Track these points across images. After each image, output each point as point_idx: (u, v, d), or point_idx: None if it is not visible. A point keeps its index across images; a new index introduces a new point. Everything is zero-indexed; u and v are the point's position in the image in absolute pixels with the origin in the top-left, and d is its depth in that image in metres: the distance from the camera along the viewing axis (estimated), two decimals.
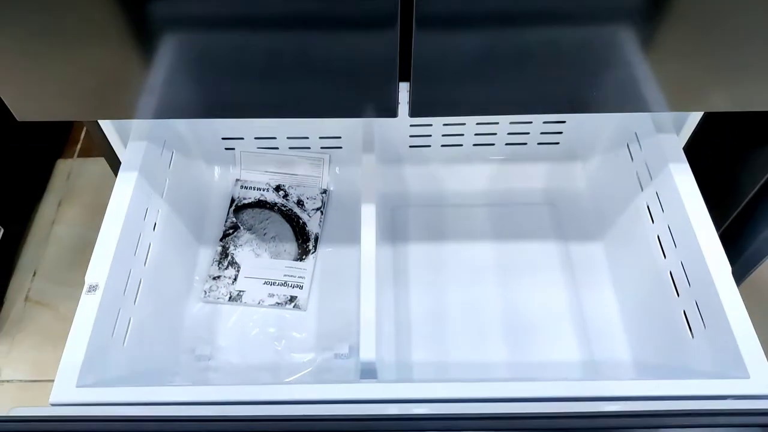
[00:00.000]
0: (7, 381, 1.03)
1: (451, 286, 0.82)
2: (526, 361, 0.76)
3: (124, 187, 0.68)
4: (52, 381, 0.55)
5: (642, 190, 0.76)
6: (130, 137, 0.74)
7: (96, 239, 0.64)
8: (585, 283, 0.82)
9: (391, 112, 0.60)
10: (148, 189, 0.72)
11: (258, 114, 0.61)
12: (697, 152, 0.76)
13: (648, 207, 0.75)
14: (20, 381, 1.02)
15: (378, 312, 0.67)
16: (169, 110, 0.60)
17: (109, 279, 0.62)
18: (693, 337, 0.65)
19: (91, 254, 0.63)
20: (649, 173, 0.74)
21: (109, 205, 0.67)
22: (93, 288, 0.61)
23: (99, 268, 0.62)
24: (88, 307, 0.59)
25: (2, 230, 1.08)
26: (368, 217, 0.72)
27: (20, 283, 1.14)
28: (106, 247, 0.63)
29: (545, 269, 0.83)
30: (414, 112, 0.61)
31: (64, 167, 1.30)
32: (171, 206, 0.77)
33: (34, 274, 1.15)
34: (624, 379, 0.60)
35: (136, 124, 0.75)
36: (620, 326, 0.78)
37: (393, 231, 0.88)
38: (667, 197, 0.71)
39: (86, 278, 0.61)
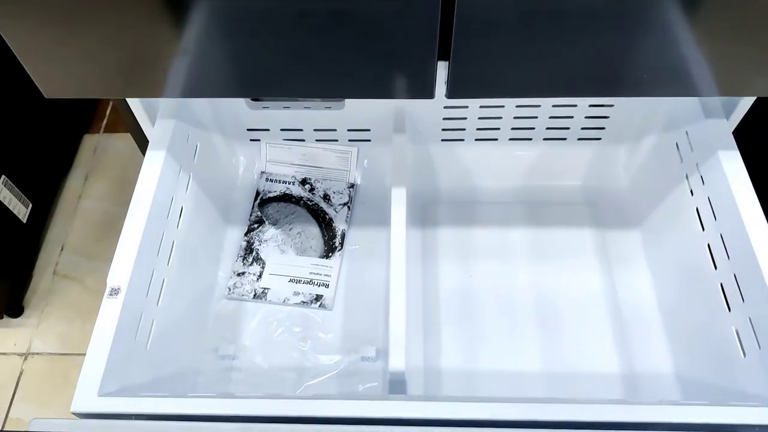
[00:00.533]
0: (38, 354, 1.04)
1: (482, 277, 0.80)
2: (560, 358, 0.74)
3: (151, 170, 0.66)
4: (81, 354, 0.54)
5: (687, 179, 0.72)
6: (157, 116, 0.71)
7: (122, 213, 0.63)
8: (621, 274, 0.79)
9: (428, 92, 0.57)
10: (175, 173, 0.70)
11: (286, 93, 0.59)
12: (746, 138, 0.71)
13: (693, 198, 0.71)
14: (50, 354, 1.04)
15: (407, 313, 0.64)
16: (197, 88, 0.57)
17: (132, 281, 0.60)
18: (745, 356, 0.61)
19: (117, 229, 0.61)
20: (696, 162, 0.70)
21: (133, 195, 0.64)
22: (115, 291, 0.59)
23: (121, 270, 0.60)
24: (109, 312, 0.57)
25: (30, 205, 1.08)
26: (399, 203, 0.69)
27: (48, 257, 1.15)
28: (129, 247, 0.61)
29: (580, 257, 0.81)
30: (453, 92, 0.57)
31: (90, 142, 1.30)
32: (195, 199, 0.75)
33: (61, 249, 1.16)
34: (667, 403, 0.56)
35: (164, 105, 0.72)
36: (660, 329, 0.75)
37: (423, 227, 0.84)
38: (716, 188, 0.66)
39: (108, 281, 0.59)
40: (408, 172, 0.76)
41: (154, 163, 0.67)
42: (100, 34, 0.51)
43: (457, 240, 0.83)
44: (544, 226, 0.84)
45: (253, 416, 0.51)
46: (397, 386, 0.61)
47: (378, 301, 0.78)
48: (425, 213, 0.86)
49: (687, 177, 0.72)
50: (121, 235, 0.62)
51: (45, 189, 1.17)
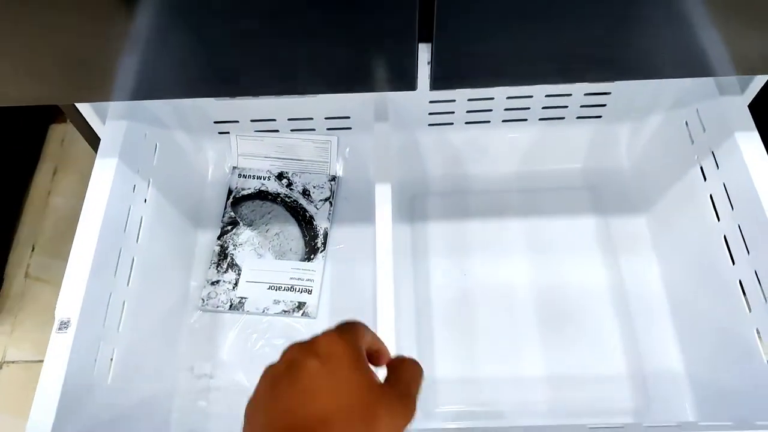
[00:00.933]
0: (13, 362, 0.98)
1: (477, 272, 0.74)
2: (565, 361, 0.68)
3: (102, 180, 0.58)
4: None
5: (699, 163, 0.65)
6: (107, 116, 0.63)
7: None
8: (627, 266, 0.73)
9: (408, 82, 0.50)
10: (130, 180, 0.62)
11: (248, 91, 0.53)
12: (762, 115, 0.64)
13: (706, 184, 0.64)
14: (26, 362, 0.98)
15: (397, 320, 0.58)
16: (151, 89, 0.51)
17: (84, 311, 0.53)
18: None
19: None
20: (709, 144, 0.63)
21: (83, 209, 0.57)
22: (64, 325, 0.52)
23: (70, 300, 0.53)
24: (58, 350, 0.51)
25: None
26: (383, 199, 0.62)
27: (19, 258, 1.08)
28: (79, 272, 0.54)
29: (582, 249, 0.75)
30: (437, 82, 0.50)
31: (57, 133, 1.21)
32: (157, 206, 0.68)
33: (32, 249, 1.09)
34: (687, 428, 0.51)
35: (114, 104, 0.64)
36: (671, 328, 0.69)
37: (412, 221, 0.78)
38: (733, 174, 0.60)
39: (56, 313, 0.52)
40: (393, 165, 0.69)
41: (104, 171, 0.60)
42: (31, 32, 0.44)
43: (449, 235, 0.77)
44: (542, 214, 0.78)
45: None
46: None
47: (367, 306, 0.71)
48: (414, 206, 0.79)
49: (699, 160, 0.65)
50: (70, 257, 0.55)
51: (11, 186, 1.09)
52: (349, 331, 0.33)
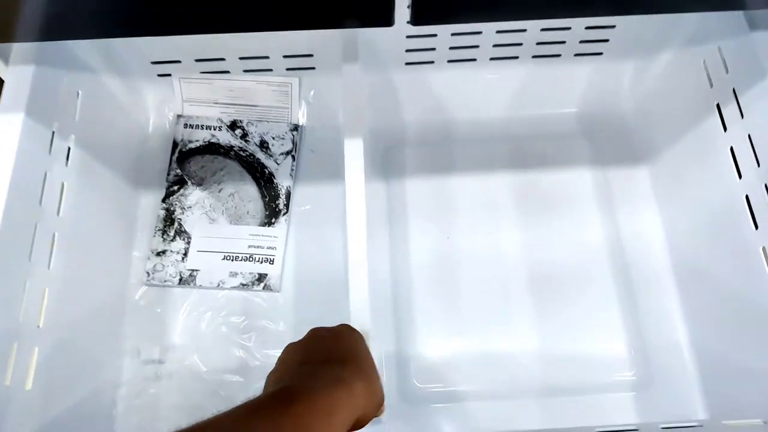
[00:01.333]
0: None
1: (462, 238, 0.66)
2: (559, 335, 0.62)
3: (6, 143, 0.47)
4: None
5: (719, 110, 0.56)
6: (9, 59, 0.51)
7: None
8: (628, 225, 0.66)
9: (384, 17, 0.41)
10: (44, 140, 0.51)
11: (190, 28, 0.44)
12: None
13: (726, 135, 0.56)
14: None
15: (373, 295, 0.50)
16: (60, 28, 0.42)
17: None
18: None
19: None
20: (733, 88, 0.54)
21: None
22: None
23: None
24: None
25: None
26: (354, 154, 0.53)
27: None
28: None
29: (578, 207, 0.67)
30: (419, 16, 0.41)
31: None
32: (86, 165, 0.57)
33: None
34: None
35: (18, 48, 0.52)
36: (676, 296, 0.63)
37: (387, 177, 0.68)
38: (761, 124, 0.52)
39: None
40: (364, 114, 0.59)
41: (6, 132, 0.48)
42: None
43: (430, 193, 0.67)
44: (534, 167, 0.69)
45: None
46: None
47: (338, 277, 0.63)
48: (389, 159, 0.69)
49: (718, 107, 0.57)
50: None
51: None
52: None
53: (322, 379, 0.34)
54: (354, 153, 0.53)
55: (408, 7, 0.39)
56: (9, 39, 0.45)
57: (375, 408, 0.39)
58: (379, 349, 0.59)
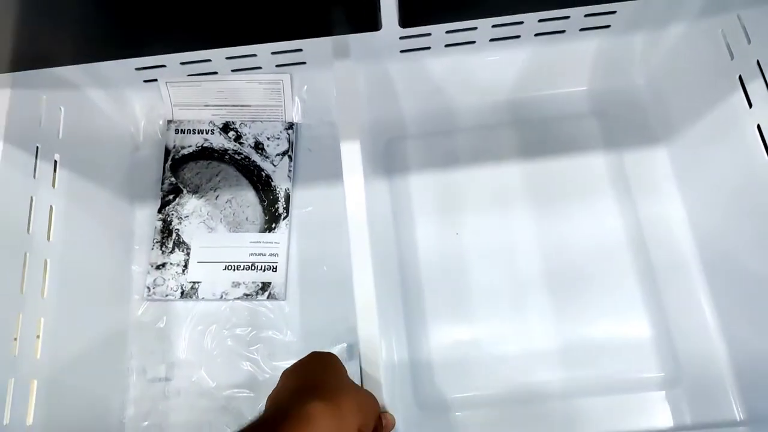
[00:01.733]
0: None
1: (472, 234, 0.63)
2: (579, 329, 0.59)
3: None
4: None
5: (742, 84, 0.52)
6: None
7: None
8: (647, 209, 0.62)
9: (369, 21, 0.38)
10: (27, 164, 0.49)
11: (177, 47, 0.43)
12: None
13: (751, 112, 0.51)
14: None
15: (380, 293, 0.48)
16: (33, 58, 0.40)
17: None
18: None
19: None
20: (758, 59, 0.50)
21: None
22: None
23: None
24: None
25: None
26: (351, 156, 0.50)
27: None
28: None
29: (593, 191, 0.63)
30: (407, 20, 0.38)
31: None
32: (74, 185, 0.55)
33: None
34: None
35: None
36: (698, 270, 0.60)
37: (389, 173, 0.65)
38: None
39: None
40: (359, 112, 0.56)
41: None
42: None
43: (435, 186, 0.65)
44: (544, 153, 0.65)
45: None
46: None
47: (344, 280, 0.61)
48: (390, 153, 0.66)
49: (741, 81, 0.52)
50: None
51: None
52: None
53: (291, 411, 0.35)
54: (351, 154, 0.50)
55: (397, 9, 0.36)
56: None
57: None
58: (390, 357, 0.57)
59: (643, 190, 0.63)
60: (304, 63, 0.64)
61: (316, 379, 0.40)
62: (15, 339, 0.46)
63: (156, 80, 0.65)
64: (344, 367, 0.43)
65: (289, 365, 0.42)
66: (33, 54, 0.40)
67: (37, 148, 0.51)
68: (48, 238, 0.51)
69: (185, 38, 0.40)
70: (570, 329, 0.59)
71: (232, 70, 0.64)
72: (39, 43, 0.39)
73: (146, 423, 0.57)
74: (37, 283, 0.49)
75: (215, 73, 0.64)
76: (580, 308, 0.59)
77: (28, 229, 0.48)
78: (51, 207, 0.51)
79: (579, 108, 0.67)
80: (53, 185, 0.52)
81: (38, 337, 0.48)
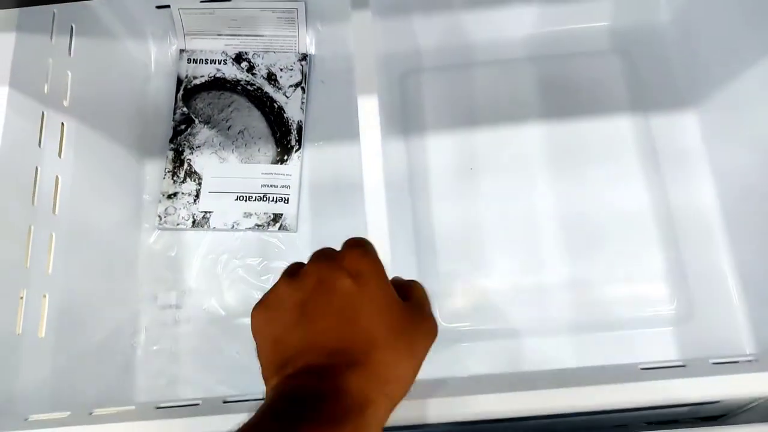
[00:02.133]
0: None
1: (488, 188, 0.61)
2: (592, 267, 0.57)
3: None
4: None
5: None
6: None
7: None
8: (674, 173, 0.60)
9: None
10: (35, 96, 0.48)
11: None
12: None
13: None
14: None
15: (392, 244, 0.47)
16: None
17: None
18: None
19: None
20: None
21: None
22: None
23: None
24: None
25: None
26: (368, 110, 0.48)
27: None
28: None
29: (617, 156, 0.61)
30: None
31: None
32: (84, 109, 0.54)
33: None
34: None
35: None
36: (724, 235, 0.58)
37: (403, 110, 0.64)
38: None
39: None
40: (378, 51, 0.53)
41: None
42: None
43: (452, 140, 0.62)
44: (566, 106, 0.62)
45: None
46: None
47: (355, 213, 0.60)
48: (405, 88, 0.64)
49: None
50: None
51: None
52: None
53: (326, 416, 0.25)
54: (370, 117, 0.47)
55: None
56: None
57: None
58: None
59: (668, 157, 0.60)
60: None
61: (346, 339, 0.28)
62: (27, 252, 0.46)
63: (168, 6, 0.63)
64: (383, 272, 0.30)
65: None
66: None
67: (50, 62, 0.50)
68: (59, 155, 0.50)
69: None
70: (583, 267, 0.58)
71: None
72: None
73: (156, 347, 0.57)
74: (49, 198, 0.48)
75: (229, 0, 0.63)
76: (593, 250, 0.58)
77: (39, 144, 0.48)
78: (62, 124, 0.51)
79: (599, 44, 0.65)
80: (66, 98, 0.51)
81: (50, 253, 0.48)
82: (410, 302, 0.31)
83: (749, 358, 0.38)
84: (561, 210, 0.59)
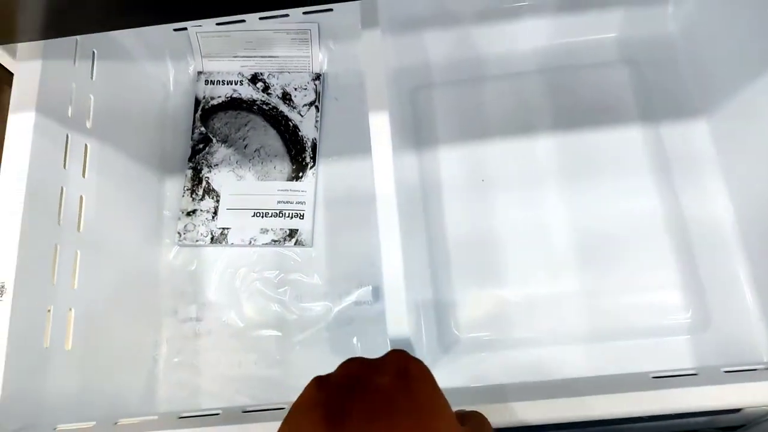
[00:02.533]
0: None
1: (501, 199, 0.61)
2: (606, 276, 0.58)
3: (20, 129, 0.47)
4: None
5: None
6: (17, 55, 0.50)
7: None
8: (686, 183, 0.60)
9: None
10: (59, 119, 0.50)
11: (208, 13, 0.44)
12: None
13: None
14: None
15: (405, 256, 0.48)
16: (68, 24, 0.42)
17: (21, 271, 0.43)
18: None
19: None
20: None
21: (2, 164, 0.46)
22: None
23: (1, 260, 0.43)
24: None
25: None
26: (379, 126, 0.49)
27: None
28: (9, 227, 0.44)
29: (629, 166, 0.61)
30: None
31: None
32: (105, 130, 0.56)
33: None
34: None
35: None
36: (739, 244, 0.58)
37: (415, 124, 0.65)
38: None
39: None
40: (389, 67, 0.55)
41: (24, 109, 0.47)
42: None
43: (463, 153, 0.63)
44: (575, 117, 0.63)
45: None
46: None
47: (369, 227, 0.61)
48: (416, 102, 0.66)
49: None
50: None
51: None
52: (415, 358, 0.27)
53: None
54: (380, 133, 0.48)
55: None
56: (12, 40, 0.45)
57: None
58: (415, 298, 0.58)
59: (679, 166, 0.61)
60: (331, 10, 0.64)
61: None
62: (53, 269, 0.47)
63: (185, 29, 0.65)
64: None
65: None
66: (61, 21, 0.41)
67: (73, 86, 0.52)
68: (83, 175, 0.52)
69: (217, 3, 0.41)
70: (597, 276, 0.58)
71: (260, 18, 0.65)
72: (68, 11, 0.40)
73: (177, 360, 0.59)
74: (73, 216, 0.50)
75: (243, 21, 0.65)
76: (608, 260, 0.58)
77: (64, 165, 0.50)
78: (86, 146, 0.53)
79: (608, 56, 0.65)
80: (88, 120, 0.53)
81: (75, 269, 0.50)
82: (467, 427, 0.27)
83: (765, 366, 0.38)
84: (574, 220, 0.60)
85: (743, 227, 0.57)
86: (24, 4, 0.40)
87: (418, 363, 0.26)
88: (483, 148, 0.64)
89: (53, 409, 0.44)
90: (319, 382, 0.26)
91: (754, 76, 0.54)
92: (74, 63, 0.53)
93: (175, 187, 0.65)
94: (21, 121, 0.47)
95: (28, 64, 0.49)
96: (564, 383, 0.42)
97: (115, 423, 0.40)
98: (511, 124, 0.64)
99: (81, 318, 0.49)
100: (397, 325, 0.45)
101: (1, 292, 0.43)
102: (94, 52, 0.56)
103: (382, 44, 0.52)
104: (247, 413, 0.40)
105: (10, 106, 0.48)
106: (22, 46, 0.49)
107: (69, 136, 0.51)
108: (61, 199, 0.49)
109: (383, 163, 0.47)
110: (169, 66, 0.68)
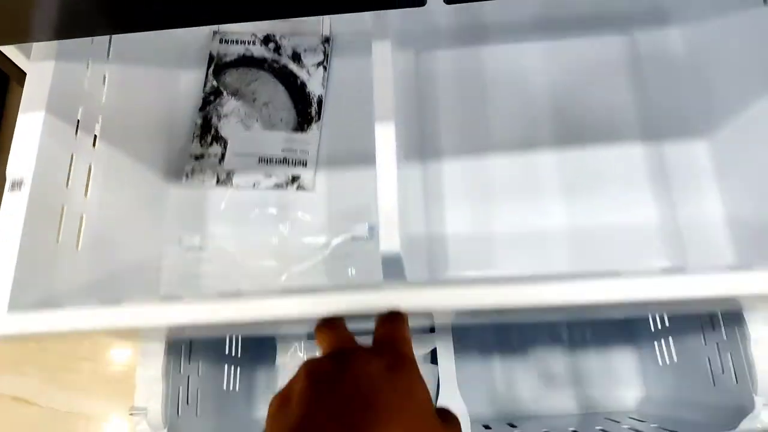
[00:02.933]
0: None
1: (502, 212, 0.63)
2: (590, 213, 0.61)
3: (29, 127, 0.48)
4: None
5: None
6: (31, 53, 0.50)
7: None
8: (685, 200, 0.61)
9: None
10: (82, 62, 0.53)
11: (220, 18, 0.47)
12: None
13: None
14: None
15: (402, 188, 0.50)
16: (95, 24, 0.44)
17: (39, 169, 0.46)
18: None
19: None
20: None
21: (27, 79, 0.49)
22: (17, 184, 0.46)
23: (23, 157, 0.46)
24: (12, 208, 0.45)
25: None
26: (385, 136, 0.49)
27: None
28: (32, 126, 0.47)
29: (629, 182, 0.62)
30: None
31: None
32: (124, 74, 0.59)
33: None
34: None
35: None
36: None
37: (420, 136, 0.66)
38: None
39: (7, 172, 0.46)
40: (394, 101, 0.55)
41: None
42: None
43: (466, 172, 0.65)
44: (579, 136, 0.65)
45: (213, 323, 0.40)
46: (392, 270, 0.48)
47: (368, 179, 0.63)
48: (420, 69, 0.69)
49: None
50: (18, 117, 0.48)
51: None
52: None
53: None
54: (386, 142, 0.49)
55: None
56: (26, 39, 0.46)
57: None
58: (410, 232, 0.59)
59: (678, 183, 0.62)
60: None
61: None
62: (68, 177, 0.50)
63: None
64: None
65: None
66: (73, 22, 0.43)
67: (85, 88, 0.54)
68: (102, 100, 0.56)
69: (228, 9, 0.43)
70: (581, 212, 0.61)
71: None
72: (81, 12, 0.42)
73: (179, 284, 0.61)
74: (88, 134, 0.53)
75: None
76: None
77: (85, 82, 0.53)
78: (104, 79, 0.56)
79: (614, 74, 0.66)
80: (104, 81, 0.56)
81: (88, 179, 0.53)
82: (446, 425, 0.29)
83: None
84: (573, 234, 0.61)
85: (739, 247, 0.58)
86: (39, 4, 0.41)
87: (406, 358, 0.29)
88: (486, 161, 0.65)
89: (61, 298, 0.46)
90: (308, 371, 0.28)
91: (755, 99, 0.55)
92: (87, 65, 0.54)
93: (183, 132, 0.68)
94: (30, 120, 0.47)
95: (41, 63, 0.49)
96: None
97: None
98: (514, 138, 0.65)
99: (91, 226, 0.52)
100: (389, 240, 0.47)
101: (20, 185, 0.46)
102: (108, 52, 0.57)
103: (391, 56, 0.52)
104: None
105: (21, 104, 0.48)
106: (36, 46, 0.49)
107: (89, 66, 0.54)
108: (77, 119, 0.52)
109: (387, 173, 0.48)
110: (180, 71, 0.71)
